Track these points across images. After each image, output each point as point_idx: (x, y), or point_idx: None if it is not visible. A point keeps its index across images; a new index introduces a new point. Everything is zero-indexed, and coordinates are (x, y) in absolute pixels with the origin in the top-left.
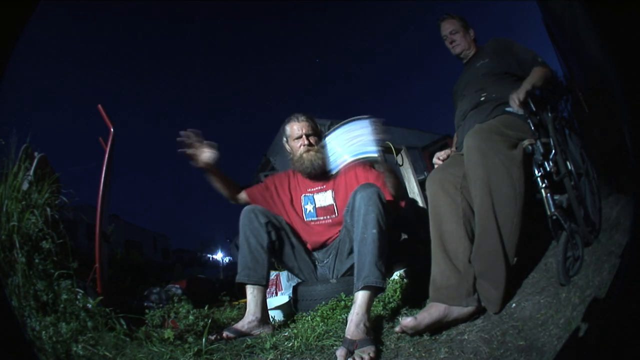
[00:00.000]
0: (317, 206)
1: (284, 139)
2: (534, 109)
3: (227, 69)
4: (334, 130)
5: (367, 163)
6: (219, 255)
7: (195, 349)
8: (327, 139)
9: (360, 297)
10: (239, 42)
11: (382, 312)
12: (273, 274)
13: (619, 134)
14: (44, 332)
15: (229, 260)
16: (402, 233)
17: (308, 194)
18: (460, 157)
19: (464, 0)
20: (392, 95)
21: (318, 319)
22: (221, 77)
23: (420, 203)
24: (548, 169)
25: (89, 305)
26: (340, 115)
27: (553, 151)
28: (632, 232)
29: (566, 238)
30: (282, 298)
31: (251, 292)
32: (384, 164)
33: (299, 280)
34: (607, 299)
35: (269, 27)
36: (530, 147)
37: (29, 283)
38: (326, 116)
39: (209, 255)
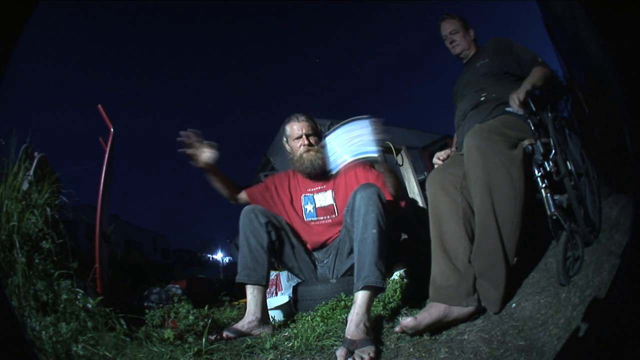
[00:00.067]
0: (317, 206)
1: (284, 139)
2: (534, 108)
3: (227, 69)
4: (334, 130)
5: (367, 163)
6: (219, 255)
7: (195, 349)
8: (327, 139)
9: (360, 297)
10: (239, 42)
11: (382, 312)
12: (273, 274)
13: (619, 134)
14: (44, 332)
15: (229, 260)
16: (402, 233)
17: (308, 194)
18: (460, 157)
19: (464, 0)
20: (392, 95)
21: (318, 319)
22: (221, 77)
23: (420, 203)
24: (548, 169)
25: (89, 305)
26: (340, 115)
27: (553, 151)
28: (632, 232)
29: (566, 238)
30: (282, 298)
31: (251, 292)
32: (383, 164)
33: (299, 280)
34: (607, 299)
35: (269, 27)
36: (530, 147)
37: (29, 283)
38: (326, 116)
39: (209, 255)
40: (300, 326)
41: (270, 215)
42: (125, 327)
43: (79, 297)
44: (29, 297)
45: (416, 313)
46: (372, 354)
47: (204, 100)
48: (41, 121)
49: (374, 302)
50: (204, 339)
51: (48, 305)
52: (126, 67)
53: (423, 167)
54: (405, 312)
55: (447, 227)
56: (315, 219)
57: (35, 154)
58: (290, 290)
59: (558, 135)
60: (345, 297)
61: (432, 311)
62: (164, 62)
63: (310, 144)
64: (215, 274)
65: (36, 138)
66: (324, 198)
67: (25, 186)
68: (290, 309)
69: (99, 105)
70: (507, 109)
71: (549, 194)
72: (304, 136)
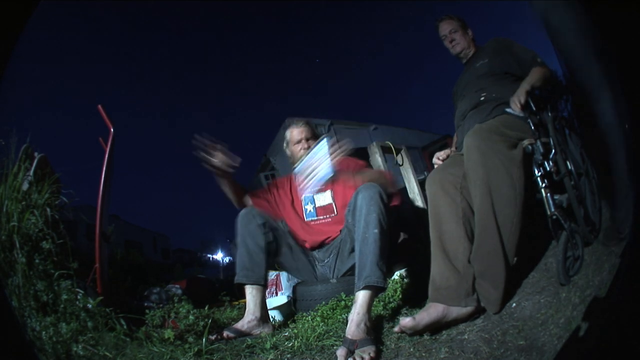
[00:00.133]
0: (317, 206)
1: (284, 144)
2: (534, 108)
3: (227, 69)
4: (300, 161)
5: (356, 158)
6: (219, 255)
7: (196, 349)
8: (295, 170)
9: (361, 296)
10: (239, 42)
11: (382, 312)
12: (273, 274)
13: (618, 134)
14: (44, 332)
15: (229, 260)
16: (402, 233)
17: (308, 195)
18: (460, 157)
19: (463, 0)
20: (392, 95)
21: (318, 318)
22: (221, 77)
23: (420, 203)
24: (548, 168)
25: (89, 306)
26: (340, 115)
27: (553, 151)
28: (632, 232)
29: (566, 238)
30: (282, 298)
31: (250, 292)
32: (347, 173)
33: (299, 280)
34: (607, 298)
35: (269, 27)
36: (530, 147)
37: (29, 283)
38: (326, 116)
39: (209, 255)
40: (301, 326)
41: (268, 217)
42: (125, 327)
43: (79, 297)
44: (29, 298)
45: (416, 313)
46: (372, 354)
47: (204, 100)
48: (41, 121)
49: (375, 302)
50: (204, 339)
51: (48, 306)
52: (126, 67)
53: (423, 167)
54: (405, 312)
55: (447, 227)
56: (316, 218)
57: (35, 154)
58: (291, 290)
59: (558, 135)
60: (345, 297)
61: (431, 311)
62: (164, 62)
63: (309, 148)
64: (215, 274)
65: (36, 138)
66: (324, 198)
67: (25, 186)
68: (290, 309)
69: (99, 106)
70: (507, 109)
71: (549, 194)
72: (303, 140)
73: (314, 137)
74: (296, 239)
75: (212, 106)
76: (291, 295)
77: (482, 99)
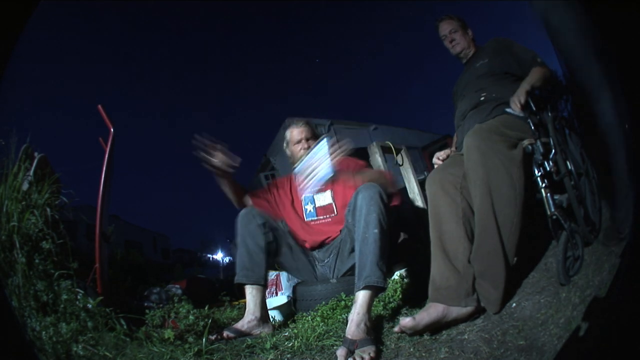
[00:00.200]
0: (317, 206)
1: (284, 144)
2: (534, 108)
3: (227, 69)
4: (301, 162)
5: (356, 158)
6: (219, 255)
7: (196, 349)
8: (295, 170)
9: (361, 296)
10: (239, 42)
11: (382, 312)
12: (273, 274)
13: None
14: (44, 332)
15: (229, 260)
16: (402, 233)
17: (308, 195)
18: (460, 157)
19: (463, 0)
20: (392, 95)
21: (318, 318)
22: (221, 77)
23: (420, 203)
24: (548, 168)
25: (89, 306)
26: (340, 115)
27: (553, 151)
28: (632, 232)
29: (566, 238)
30: (282, 298)
31: (250, 292)
32: (346, 173)
33: (299, 280)
34: (607, 298)
35: (269, 27)
36: (530, 147)
37: (29, 283)
38: (326, 116)
39: (209, 255)
40: (301, 326)
41: (268, 217)
42: (125, 327)
43: (79, 297)
44: (29, 298)
45: (416, 313)
46: (372, 354)
47: (204, 100)
48: (41, 121)
49: (375, 302)
50: (204, 339)
51: (48, 306)
52: (126, 67)
53: (423, 167)
54: (405, 312)
55: (447, 227)
56: (316, 218)
57: (35, 154)
58: (290, 290)
59: (558, 135)
60: (345, 297)
61: (430, 311)
62: (164, 62)
63: (309, 148)
64: (215, 274)
65: (36, 138)
66: (324, 198)
67: (25, 186)
68: (290, 309)
69: (99, 106)
70: (507, 109)
71: (549, 194)
72: (303, 140)
73: (314, 137)
74: (296, 239)
75: (212, 106)
76: (291, 295)
77: (482, 99)
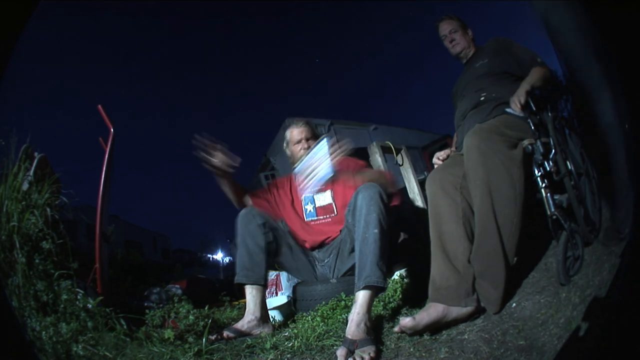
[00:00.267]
0: (317, 206)
1: (284, 144)
2: (534, 108)
3: (227, 69)
4: (301, 162)
5: (356, 158)
6: (219, 255)
7: (196, 349)
8: (295, 170)
9: (361, 296)
10: (239, 42)
11: (382, 312)
12: (273, 274)
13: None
14: (44, 332)
15: (229, 260)
16: (402, 233)
17: (308, 195)
18: (460, 157)
19: (463, 0)
20: (392, 95)
21: (318, 319)
22: (221, 77)
23: (420, 203)
24: (548, 168)
25: (89, 306)
26: (340, 115)
27: (553, 151)
28: (632, 232)
29: (566, 238)
30: (282, 298)
31: (250, 292)
32: (347, 174)
33: (299, 280)
34: (607, 298)
35: (269, 27)
36: (530, 147)
37: (29, 283)
38: (326, 116)
39: (209, 255)
40: (301, 326)
41: (268, 217)
42: (125, 327)
43: (79, 297)
44: (29, 298)
45: (416, 313)
46: (372, 354)
47: (204, 100)
48: (41, 121)
49: (375, 302)
50: (204, 339)
51: (48, 306)
52: (126, 67)
53: (423, 167)
54: (405, 312)
55: (447, 227)
56: (315, 218)
57: (35, 154)
58: (290, 290)
59: (558, 134)
60: (345, 297)
61: (430, 311)
62: (164, 62)
63: (309, 148)
64: (215, 274)
65: (36, 138)
66: (324, 198)
67: (25, 186)
68: (290, 309)
69: (99, 106)
70: (507, 109)
71: (549, 194)
72: (303, 140)
73: (314, 137)
74: (296, 239)
75: (212, 106)
76: (291, 295)
77: (482, 99)
